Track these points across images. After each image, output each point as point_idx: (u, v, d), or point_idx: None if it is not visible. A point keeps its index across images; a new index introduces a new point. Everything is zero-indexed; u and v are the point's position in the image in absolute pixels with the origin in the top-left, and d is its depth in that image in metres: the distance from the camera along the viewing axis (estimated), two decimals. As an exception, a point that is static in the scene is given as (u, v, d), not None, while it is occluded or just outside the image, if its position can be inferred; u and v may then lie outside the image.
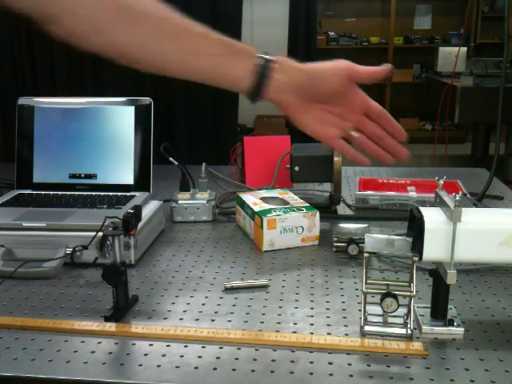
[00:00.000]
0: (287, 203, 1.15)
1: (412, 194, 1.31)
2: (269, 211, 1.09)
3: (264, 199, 1.17)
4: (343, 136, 0.83)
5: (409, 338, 0.76)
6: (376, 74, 0.81)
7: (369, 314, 0.80)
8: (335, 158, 1.20)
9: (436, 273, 0.77)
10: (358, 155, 0.82)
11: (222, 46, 0.76)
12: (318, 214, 1.10)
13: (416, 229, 0.76)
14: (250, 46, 0.78)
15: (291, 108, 0.80)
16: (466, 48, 3.92)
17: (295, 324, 0.81)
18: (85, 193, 1.19)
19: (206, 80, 0.77)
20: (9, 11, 0.67)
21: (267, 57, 0.77)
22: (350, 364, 0.71)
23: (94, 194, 1.18)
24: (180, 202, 1.23)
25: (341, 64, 0.80)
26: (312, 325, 0.80)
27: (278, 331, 0.79)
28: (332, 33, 5.94)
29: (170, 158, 1.32)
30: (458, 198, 0.70)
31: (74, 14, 0.68)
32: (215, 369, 0.70)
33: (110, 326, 0.80)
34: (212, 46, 0.76)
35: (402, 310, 0.78)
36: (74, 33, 0.70)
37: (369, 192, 1.33)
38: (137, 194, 1.18)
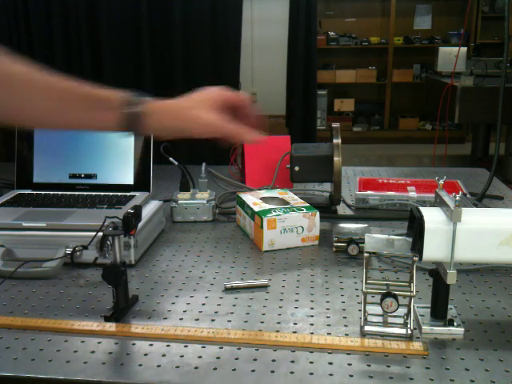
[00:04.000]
0: (287, 203, 1.15)
1: (412, 193, 1.31)
2: (269, 211, 1.09)
3: (264, 199, 1.17)
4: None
5: (409, 338, 0.76)
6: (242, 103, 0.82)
7: (369, 314, 0.80)
8: (335, 158, 1.20)
9: (436, 273, 0.77)
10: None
11: (85, 101, 0.77)
12: (317, 213, 1.10)
13: (416, 229, 0.76)
14: (116, 95, 0.77)
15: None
16: (465, 48, 3.90)
17: (295, 324, 0.81)
18: (85, 193, 1.19)
19: (75, 129, 0.80)
20: None
21: (132, 110, 0.77)
22: (350, 364, 0.71)
23: (93, 193, 1.18)
24: (180, 201, 1.24)
25: (210, 99, 0.80)
26: (312, 325, 0.80)
27: (278, 331, 0.79)
28: (332, 33, 5.93)
29: (170, 158, 1.32)
30: (458, 198, 0.71)
31: None
32: (215, 369, 0.70)
33: (110, 326, 0.80)
34: (76, 101, 0.77)
35: (402, 310, 0.78)
36: None
37: (369, 192, 1.33)
38: (137, 193, 1.18)
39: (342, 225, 1.12)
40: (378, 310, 0.79)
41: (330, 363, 0.71)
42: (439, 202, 0.78)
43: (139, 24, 2.16)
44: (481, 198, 1.34)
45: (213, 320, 0.82)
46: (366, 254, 0.78)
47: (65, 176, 1.22)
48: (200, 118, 0.79)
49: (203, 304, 0.87)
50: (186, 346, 0.75)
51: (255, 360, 0.72)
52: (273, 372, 0.70)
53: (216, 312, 0.85)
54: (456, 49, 3.59)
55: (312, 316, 0.83)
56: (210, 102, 0.80)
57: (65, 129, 0.81)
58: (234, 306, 0.87)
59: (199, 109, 0.79)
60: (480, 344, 0.75)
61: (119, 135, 0.79)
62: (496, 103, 1.34)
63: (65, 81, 0.76)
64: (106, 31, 2.16)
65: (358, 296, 0.89)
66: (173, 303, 0.88)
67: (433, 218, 0.74)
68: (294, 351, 0.74)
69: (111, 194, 1.18)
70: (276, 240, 1.08)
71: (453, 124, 5.41)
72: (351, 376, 0.69)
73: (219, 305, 0.87)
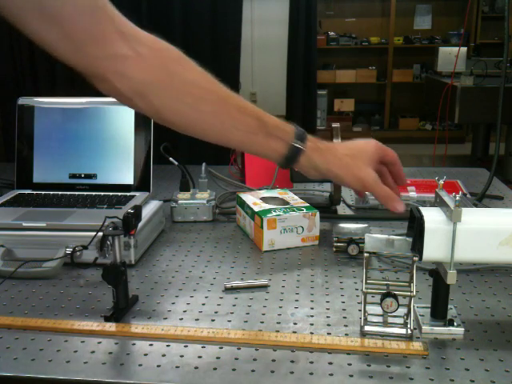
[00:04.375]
0: (287, 203, 1.15)
1: (412, 193, 1.31)
2: (269, 211, 1.09)
3: (264, 199, 1.17)
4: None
5: (409, 338, 0.76)
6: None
7: (369, 314, 0.80)
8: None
9: (436, 273, 0.77)
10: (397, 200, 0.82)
11: (256, 125, 0.76)
12: (317, 213, 1.10)
13: (416, 229, 0.76)
14: (286, 126, 0.78)
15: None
16: (465, 48, 3.90)
17: (295, 324, 0.81)
18: (85, 193, 1.19)
19: (237, 148, 0.80)
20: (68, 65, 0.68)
21: (299, 145, 0.78)
22: (350, 364, 0.71)
23: (93, 194, 1.18)
24: (180, 201, 1.23)
25: (370, 152, 0.81)
26: (312, 325, 0.80)
27: (278, 331, 0.79)
28: (332, 33, 5.93)
29: (170, 158, 1.32)
30: (458, 198, 0.70)
31: (124, 77, 0.69)
32: (215, 369, 0.70)
33: (110, 326, 0.80)
34: (247, 122, 0.76)
35: (402, 310, 0.78)
36: (119, 92, 0.71)
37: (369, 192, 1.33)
38: (137, 193, 1.18)
39: (342, 225, 1.12)
40: (378, 309, 0.79)
41: (330, 363, 0.71)
42: (439, 202, 0.78)
43: (139, 24, 2.16)
44: (481, 198, 1.34)
45: (213, 320, 0.82)
46: (366, 254, 0.78)
47: (65, 176, 1.22)
48: (357, 170, 0.79)
49: (203, 304, 0.87)
50: (186, 346, 0.75)
51: (255, 360, 0.72)
52: (273, 372, 0.70)
53: (216, 312, 0.85)
54: (456, 49, 3.60)
55: (312, 316, 0.83)
56: (370, 156, 0.80)
57: (226, 145, 0.80)
58: (234, 306, 0.87)
59: (359, 160, 0.79)
60: (480, 344, 0.75)
61: None
62: (496, 103, 1.34)
63: (239, 98, 0.76)
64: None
65: (357, 296, 0.89)
66: (173, 303, 0.88)
67: (433, 217, 0.74)
68: (293, 351, 0.74)
69: (111, 194, 1.18)
70: (276, 240, 1.08)
71: (453, 124, 5.41)
72: (351, 376, 0.69)
73: (219, 305, 0.87)
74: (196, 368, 0.70)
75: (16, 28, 0.64)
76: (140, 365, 0.71)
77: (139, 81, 0.70)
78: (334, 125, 1.23)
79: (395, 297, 0.76)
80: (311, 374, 0.69)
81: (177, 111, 0.73)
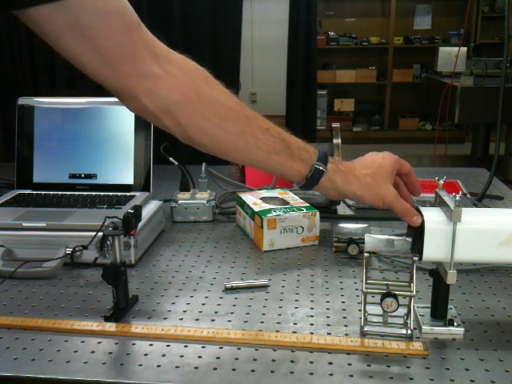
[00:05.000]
0: (287, 203, 1.15)
1: (412, 193, 1.31)
2: (269, 211, 1.09)
3: (264, 199, 1.17)
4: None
5: (409, 337, 0.76)
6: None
7: (369, 314, 0.80)
8: (335, 158, 1.20)
9: (436, 273, 0.77)
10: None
11: (280, 145, 0.77)
12: (317, 213, 1.10)
13: (416, 229, 0.76)
14: (309, 148, 0.79)
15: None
16: (465, 48, 3.90)
17: (295, 324, 0.81)
18: (85, 193, 1.19)
19: (260, 169, 0.81)
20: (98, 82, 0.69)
21: (321, 168, 0.79)
22: (350, 364, 0.71)
23: (93, 194, 1.18)
24: (180, 201, 1.24)
25: (388, 167, 0.82)
26: (312, 325, 0.80)
27: (277, 331, 0.79)
28: (332, 33, 5.93)
29: (170, 158, 1.32)
30: (458, 198, 0.70)
31: (153, 95, 0.70)
32: (215, 369, 0.70)
33: (110, 326, 0.80)
34: (270, 143, 0.77)
35: (402, 310, 0.78)
36: (147, 110, 0.72)
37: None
38: (137, 193, 1.18)
39: (342, 225, 1.12)
40: (378, 309, 0.79)
41: (330, 363, 0.71)
42: (439, 202, 0.78)
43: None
44: (481, 198, 1.34)
45: (213, 320, 0.82)
46: (366, 254, 0.78)
47: (65, 176, 1.22)
48: (378, 189, 0.80)
49: (203, 304, 0.87)
50: (186, 346, 0.75)
51: (255, 360, 0.72)
52: (273, 372, 0.70)
53: (216, 312, 0.85)
54: (456, 49, 3.59)
55: (312, 316, 0.83)
56: (389, 172, 0.81)
57: (250, 165, 0.82)
58: (234, 306, 0.87)
59: (379, 178, 0.80)
60: (480, 344, 0.75)
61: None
62: (496, 103, 1.34)
63: (263, 119, 0.77)
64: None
65: (357, 296, 0.89)
66: (173, 303, 0.88)
67: (433, 218, 0.74)
68: (294, 351, 0.74)
69: (111, 194, 1.18)
70: (276, 240, 1.08)
71: (453, 124, 5.41)
72: (351, 376, 0.69)
73: (219, 305, 0.87)
74: (196, 368, 0.70)
75: (50, 45, 0.64)
76: (140, 365, 0.71)
77: (167, 99, 0.71)
78: (334, 125, 1.23)
79: (395, 297, 0.76)
80: (311, 374, 0.69)
81: (203, 130, 0.74)
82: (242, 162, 0.80)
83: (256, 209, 1.11)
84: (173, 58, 0.72)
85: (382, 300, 0.76)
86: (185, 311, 0.85)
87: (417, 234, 0.76)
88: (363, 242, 0.84)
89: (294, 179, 0.82)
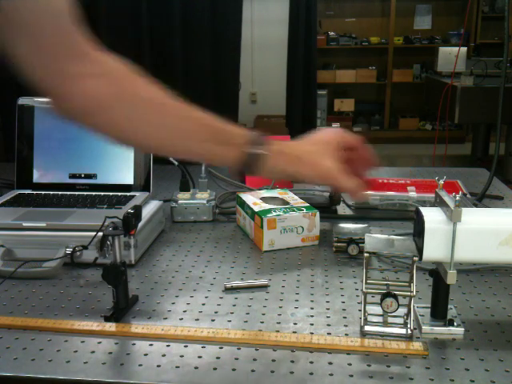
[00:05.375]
0: (287, 203, 1.15)
1: (412, 194, 1.31)
2: (269, 211, 1.09)
3: (264, 199, 1.17)
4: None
5: (409, 338, 0.76)
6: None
7: (369, 314, 0.80)
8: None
9: (436, 273, 0.77)
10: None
11: (211, 134, 0.76)
12: (317, 214, 1.10)
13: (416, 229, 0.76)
14: (241, 132, 0.77)
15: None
16: (465, 48, 3.90)
17: (295, 324, 0.81)
18: (85, 193, 1.19)
19: (199, 160, 0.80)
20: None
21: (254, 151, 0.76)
22: (350, 364, 0.71)
23: (93, 194, 1.18)
24: (180, 201, 1.23)
25: (331, 143, 0.80)
26: (312, 325, 0.80)
27: (278, 331, 0.79)
28: (332, 33, 5.94)
29: (170, 158, 1.32)
30: (458, 198, 0.70)
31: (83, 95, 0.70)
32: (215, 369, 0.70)
33: (110, 326, 0.80)
34: (202, 132, 0.76)
35: (402, 310, 0.78)
36: (76, 111, 0.72)
37: (369, 192, 1.33)
38: (137, 193, 1.18)
39: (342, 225, 1.12)
40: (378, 310, 0.79)
41: (330, 363, 0.71)
42: (439, 202, 0.78)
43: (139, 24, 2.16)
44: (481, 198, 1.34)
45: (213, 320, 0.82)
46: (366, 254, 0.78)
47: (65, 176, 1.22)
48: (319, 165, 0.78)
49: (203, 304, 0.87)
50: (186, 346, 0.75)
51: (255, 360, 0.72)
52: (273, 372, 0.70)
53: (216, 312, 0.85)
54: (456, 49, 3.60)
55: (312, 316, 0.83)
56: (331, 147, 0.79)
57: (183, 157, 0.82)
58: (234, 306, 0.87)
59: (320, 154, 0.78)
60: (480, 344, 0.75)
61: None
62: (496, 103, 1.34)
63: (195, 110, 0.76)
64: (106, 31, 2.16)
65: (357, 296, 0.89)
66: (173, 303, 0.88)
67: (433, 217, 0.74)
68: (293, 351, 0.74)
69: (111, 194, 1.18)
70: (276, 240, 1.08)
71: (453, 124, 5.41)
72: (351, 376, 0.69)
73: (219, 305, 0.87)
74: (196, 368, 0.70)
75: None
76: (140, 365, 0.71)
77: (97, 99, 0.71)
78: (334, 125, 1.24)
79: (395, 297, 0.76)
80: (311, 373, 0.69)
81: (131, 126, 0.74)
82: (178, 155, 0.78)
83: (256, 209, 1.11)
84: (103, 59, 0.72)
85: (382, 300, 0.76)
86: (185, 311, 0.85)
87: (416, 233, 0.76)
88: (363, 242, 0.84)
89: (229, 165, 0.78)
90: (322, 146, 0.79)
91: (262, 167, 0.76)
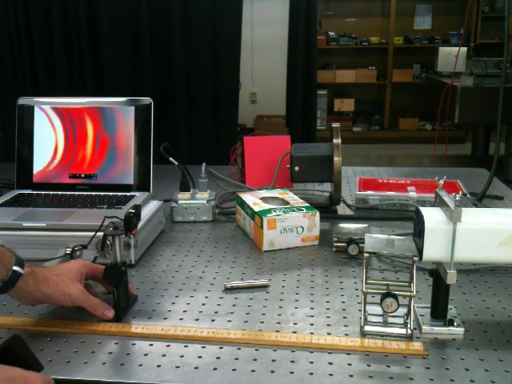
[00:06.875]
0: (287, 203, 1.15)
1: (412, 194, 1.31)
2: (269, 211, 1.09)
3: (264, 199, 1.17)
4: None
5: (409, 338, 0.76)
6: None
7: (369, 314, 0.80)
8: (335, 158, 1.20)
9: (436, 273, 0.77)
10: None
11: None
12: (318, 213, 1.10)
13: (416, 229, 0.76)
14: (6, 252, 0.78)
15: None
16: (465, 48, 3.89)
17: (295, 324, 0.81)
18: (85, 193, 1.19)
19: None
20: None
21: (19, 270, 0.77)
22: (350, 364, 0.71)
23: (93, 194, 1.18)
24: (180, 201, 1.23)
25: (73, 269, 0.83)
26: (312, 325, 0.80)
27: (278, 331, 0.79)
28: (332, 33, 5.93)
29: (170, 158, 1.32)
30: (458, 197, 0.70)
31: None
32: (215, 369, 0.70)
33: (110, 326, 0.80)
34: None
35: (402, 310, 0.78)
36: None
37: (369, 192, 1.33)
38: (137, 193, 1.18)
39: (342, 225, 1.12)
40: (378, 309, 0.79)
41: (330, 363, 0.71)
42: (439, 202, 0.78)
43: (139, 24, 2.16)
44: (481, 198, 1.34)
45: (213, 320, 0.82)
46: (366, 254, 0.78)
47: (65, 176, 1.22)
48: (63, 287, 0.80)
49: (203, 304, 0.87)
50: (186, 346, 0.75)
51: (255, 360, 0.72)
52: (273, 372, 0.70)
53: (216, 312, 0.85)
54: (456, 49, 3.59)
55: (312, 316, 0.83)
56: (74, 271, 0.82)
57: None
58: (234, 306, 0.87)
59: (65, 277, 0.81)
60: (480, 344, 0.75)
61: None
62: (496, 103, 1.34)
63: None
64: (106, 31, 2.16)
65: (357, 296, 0.89)
66: (173, 303, 0.88)
67: (433, 217, 0.74)
68: (293, 351, 0.74)
69: (111, 194, 1.18)
70: (276, 240, 1.08)
71: (453, 124, 5.40)
72: (351, 376, 0.69)
73: (219, 305, 0.87)
74: (196, 368, 0.70)
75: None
76: (140, 365, 0.71)
77: None
78: (334, 125, 1.24)
79: (395, 297, 0.76)
80: (311, 374, 0.69)
81: None
82: None
83: (256, 209, 1.11)
84: None
85: (382, 300, 0.76)
86: (185, 311, 0.85)
87: (416, 233, 0.76)
88: (363, 242, 0.84)
89: None
90: (66, 270, 0.83)
91: (17, 286, 0.77)
